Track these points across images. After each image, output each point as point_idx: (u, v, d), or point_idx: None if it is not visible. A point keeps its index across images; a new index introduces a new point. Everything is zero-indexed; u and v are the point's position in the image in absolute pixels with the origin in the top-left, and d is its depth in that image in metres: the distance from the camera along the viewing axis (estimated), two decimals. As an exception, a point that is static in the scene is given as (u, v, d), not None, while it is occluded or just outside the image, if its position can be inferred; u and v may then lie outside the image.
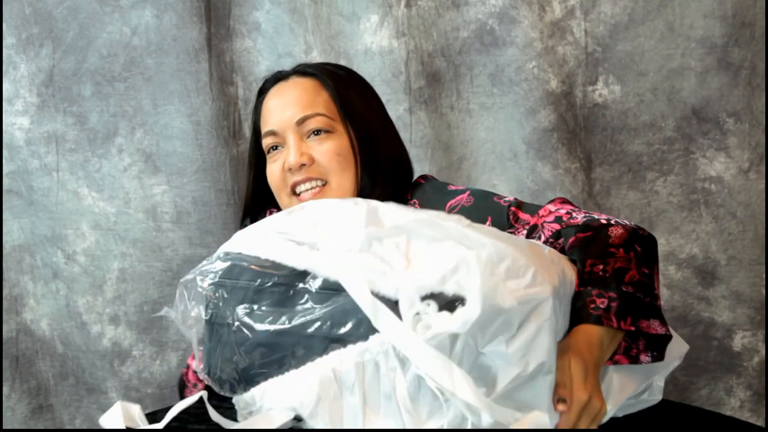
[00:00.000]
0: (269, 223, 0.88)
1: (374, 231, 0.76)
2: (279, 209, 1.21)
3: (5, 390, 1.79)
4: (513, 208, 1.01)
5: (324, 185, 1.07)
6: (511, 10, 1.63)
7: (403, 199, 1.12)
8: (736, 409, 1.69)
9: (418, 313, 0.67)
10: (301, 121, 1.07)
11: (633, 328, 0.82)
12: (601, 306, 0.82)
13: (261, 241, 0.84)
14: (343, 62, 1.69)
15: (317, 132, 1.07)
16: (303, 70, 1.13)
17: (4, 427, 1.79)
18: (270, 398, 0.78)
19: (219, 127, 1.71)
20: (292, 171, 1.07)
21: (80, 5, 1.70)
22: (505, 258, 0.71)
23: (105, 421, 0.84)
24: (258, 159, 1.16)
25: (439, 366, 0.66)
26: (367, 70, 1.68)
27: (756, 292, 1.66)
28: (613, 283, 0.84)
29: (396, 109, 1.68)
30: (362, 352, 0.71)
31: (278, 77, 1.14)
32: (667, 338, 0.87)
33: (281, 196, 1.11)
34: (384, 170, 1.10)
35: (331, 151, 1.06)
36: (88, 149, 1.74)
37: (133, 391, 1.77)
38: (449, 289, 0.68)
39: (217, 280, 0.84)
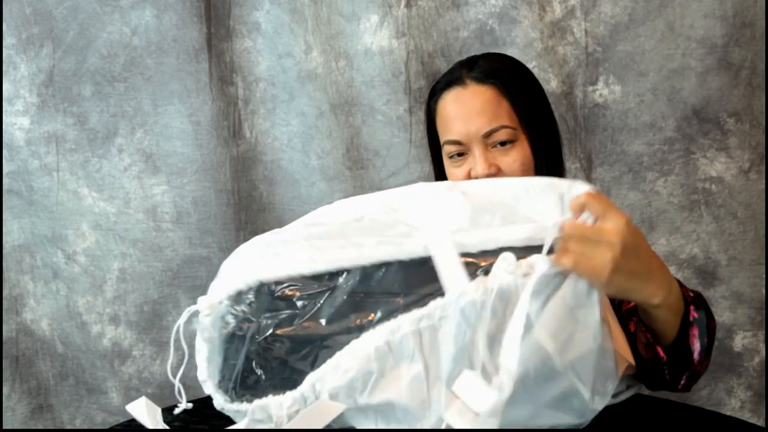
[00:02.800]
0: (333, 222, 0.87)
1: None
2: None
3: (5, 390, 1.79)
4: None
5: None
6: (511, 10, 1.63)
7: None
8: (736, 409, 1.69)
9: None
10: (488, 135, 1.10)
11: (697, 315, 0.86)
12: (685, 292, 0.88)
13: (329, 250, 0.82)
14: (342, 62, 1.69)
15: (503, 143, 1.11)
16: (479, 78, 1.13)
17: (4, 427, 1.79)
18: (324, 385, 0.77)
19: (219, 127, 1.71)
20: (479, 179, 1.11)
21: (80, 5, 1.70)
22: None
23: (132, 408, 0.87)
24: (433, 149, 1.22)
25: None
26: (367, 70, 1.68)
27: (756, 293, 1.66)
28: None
29: (396, 109, 1.67)
30: (418, 319, 0.71)
31: (451, 81, 1.15)
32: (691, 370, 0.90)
33: None
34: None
35: (518, 162, 1.11)
36: (88, 149, 1.74)
37: (134, 391, 1.77)
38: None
39: (243, 298, 0.84)
